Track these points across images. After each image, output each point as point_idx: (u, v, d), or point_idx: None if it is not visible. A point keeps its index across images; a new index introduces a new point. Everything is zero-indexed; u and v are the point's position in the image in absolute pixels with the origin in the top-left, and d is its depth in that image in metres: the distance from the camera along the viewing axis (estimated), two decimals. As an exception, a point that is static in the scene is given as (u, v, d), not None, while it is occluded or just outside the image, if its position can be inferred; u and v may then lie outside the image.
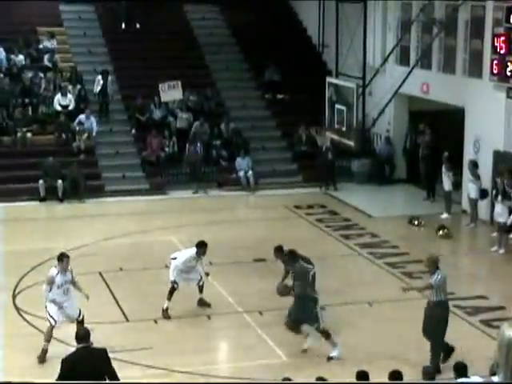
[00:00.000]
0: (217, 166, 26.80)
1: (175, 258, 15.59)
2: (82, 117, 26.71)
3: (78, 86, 28.06)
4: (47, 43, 29.70)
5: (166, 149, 26.75)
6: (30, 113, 27.27)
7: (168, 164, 26.39)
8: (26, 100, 27.40)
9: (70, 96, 27.39)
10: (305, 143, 27.62)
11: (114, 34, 31.22)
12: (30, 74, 28.10)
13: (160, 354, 13.42)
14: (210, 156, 26.87)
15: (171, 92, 26.86)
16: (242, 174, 26.16)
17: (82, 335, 10.12)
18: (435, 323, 12.82)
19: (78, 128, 26.54)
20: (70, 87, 27.86)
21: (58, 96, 27.29)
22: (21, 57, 28.72)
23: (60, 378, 9.86)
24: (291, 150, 27.91)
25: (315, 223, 22.20)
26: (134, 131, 27.57)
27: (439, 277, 12.73)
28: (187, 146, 26.41)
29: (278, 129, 28.88)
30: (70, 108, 27.20)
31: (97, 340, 13.57)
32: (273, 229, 21.47)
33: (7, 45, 28.93)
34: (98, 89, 27.64)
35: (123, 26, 31.47)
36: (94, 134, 26.69)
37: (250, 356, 13.72)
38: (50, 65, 28.95)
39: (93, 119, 26.79)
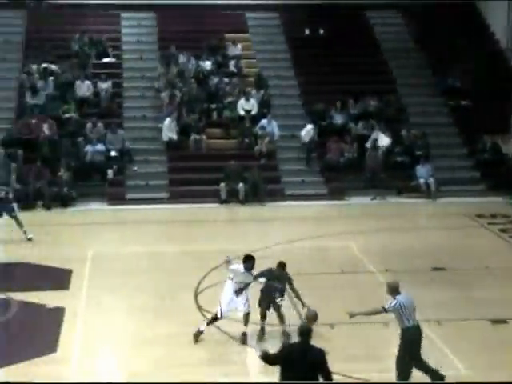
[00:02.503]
0: (397, 173, 26.53)
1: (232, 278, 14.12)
2: (264, 121, 27.19)
3: (261, 92, 28.59)
4: (233, 49, 30.47)
5: (346, 154, 26.76)
6: (215, 117, 28.09)
7: (348, 169, 26.39)
8: (212, 105, 28.23)
9: (253, 101, 27.96)
10: (489, 151, 26.85)
11: (297, 40, 31.59)
12: (215, 80, 28.92)
13: (336, 358, 13.39)
14: (390, 162, 26.66)
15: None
16: (422, 181, 25.77)
17: (305, 331, 10.23)
18: (399, 351, 11.99)
19: (260, 132, 27.04)
20: (253, 92, 28.43)
21: (242, 101, 27.92)
22: (208, 63, 29.62)
23: (275, 357, 10.18)
24: (473, 158, 27.21)
25: (498, 233, 21.51)
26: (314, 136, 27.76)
27: (395, 303, 11.94)
28: (367, 151, 26.32)
29: (459, 136, 28.24)
30: (253, 112, 27.77)
31: (272, 343, 13.81)
32: (452, 238, 21.02)
33: (196, 51, 29.92)
34: (306, 139, 26.97)
35: (307, 32, 31.77)
36: (275, 138, 27.09)
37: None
38: (235, 70, 29.67)
39: (274, 124, 27.20)
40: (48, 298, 15.95)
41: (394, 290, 12.18)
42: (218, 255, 18.82)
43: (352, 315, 12.49)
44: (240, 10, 32.39)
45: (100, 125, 26.73)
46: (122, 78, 29.84)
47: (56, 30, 30.89)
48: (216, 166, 25.74)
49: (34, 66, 28.78)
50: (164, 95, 28.14)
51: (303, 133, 27.15)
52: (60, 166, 25.10)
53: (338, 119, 27.86)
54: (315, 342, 10.43)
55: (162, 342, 13.94)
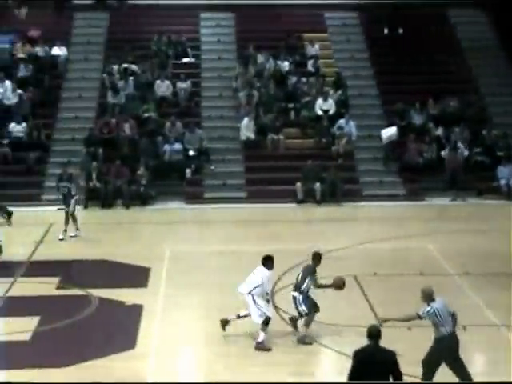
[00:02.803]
0: (477, 174, 26.08)
1: (252, 289, 13.84)
2: (341, 121, 27.07)
3: (339, 91, 28.46)
4: (311, 49, 30.42)
5: (425, 154, 26.44)
6: (293, 117, 28.09)
7: (427, 170, 26.07)
8: (289, 105, 28.24)
9: (330, 101, 27.86)
10: None
11: (376, 39, 31.37)
12: (293, 79, 28.91)
13: (410, 361, 13.26)
14: (470, 163, 26.24)
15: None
16: (503, 182, 25.29)
17: (375, 333, 10.15)
18: (428, 355, 11.84)
19: (337, 132, 26.93)
20: (331, 92, 28.32)
21: (320, 101, 27.84)
22: (286, 63, 29.63)
23: (352, 369, 10.11)
24: (557, 159, 26.58)
25: None
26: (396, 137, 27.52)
27: (429, 309, 11.63)
28: (447, 152, 25.97)
29: (543, 136, 27.64)
30: (331, 112, 27.67)
31: (349, 343, 13.74)
32: (534, 241, 20.54)
33: (274, 51, 29.97)
34: (387, 140, 26.78)
35: (386, 31, 31.52)
36: (353, 138, 26.94)
37: (503, 372, 13.20)
38: (313, 70, 29.61)
39: (352, 124, 27.05)
40: (127, 296, 16.21)
41: (428, 297, 11.93)
42: (295, 255, 18.85)
43: (384, 320, 12.39)
44: (318, 10, 32.28)
45: (179, 124, 27.01)
46: (200, 77, 30.07)
47: (136, 31, 31.31)
48: (293, 165, 25.73)
49: (115, 66, 29.25)
50: (242, 95, 28.26)
51: (385, 134, 26.81)
52: (139, 165, 25.44)
53: (417, 119, 27.54)
54: (391, 343, 10.33)
55: (237, 340, 14.00)
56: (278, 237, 21.35)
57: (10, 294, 16.50)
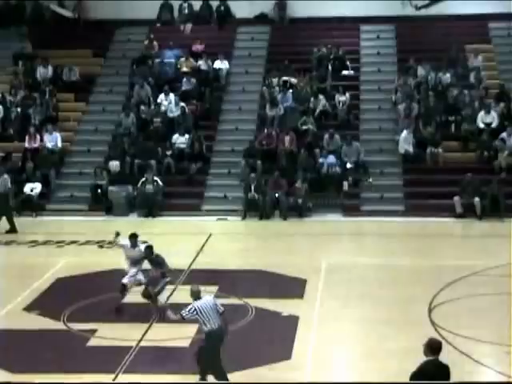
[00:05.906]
0: None
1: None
2: (504, 134, 26.32)
3: (502, 104, 27.69)
4: (474, 61, 29.76)
5: None
6: (453, 130, 27.57)
7: None
8: (450, 118, 27.73)
9: (493, 113, 27.15)
10: None
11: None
12: (454, 92, 28.37)
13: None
14: None
15: None
16: None
17: (439, 347, 9.71)
18: (203, 354, 12.38)
19: (499, 146, 26.20)
20: (493, 104, 27.60)
21: (481, 113, 27.19)
22: (447, 75, 29.11)
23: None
24: None
25: None
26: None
27: (190, 308, 12.25)
28: None
29: None
30: (493, 125, 26.96)
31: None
32: None
33: (435, 63, 29.49)
34: None
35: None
36: (516, 152, 26.15)
37: None
38: (475, 82, 28.94)
39: (516, 137, 26.26)
40: (283, 306, 16.36)
41: (194, 295, 12.52)
42: (453, 271, 18.50)
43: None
44: (482, 20, 31.48)
45: (337, 137, 27.01)
46: (359, 90, 30.00)
47: (296, 44, 31.59)
48: (452, 179, 25.20)
49: (275, 79, 29.62)
50: (401, 108, 27.98)
51: None
52: (297, 177, 25.62)
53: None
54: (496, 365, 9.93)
55: (393, 355, 13.86)
56: (436, 251, 21.00)
57: (171, 301, 16.98)
